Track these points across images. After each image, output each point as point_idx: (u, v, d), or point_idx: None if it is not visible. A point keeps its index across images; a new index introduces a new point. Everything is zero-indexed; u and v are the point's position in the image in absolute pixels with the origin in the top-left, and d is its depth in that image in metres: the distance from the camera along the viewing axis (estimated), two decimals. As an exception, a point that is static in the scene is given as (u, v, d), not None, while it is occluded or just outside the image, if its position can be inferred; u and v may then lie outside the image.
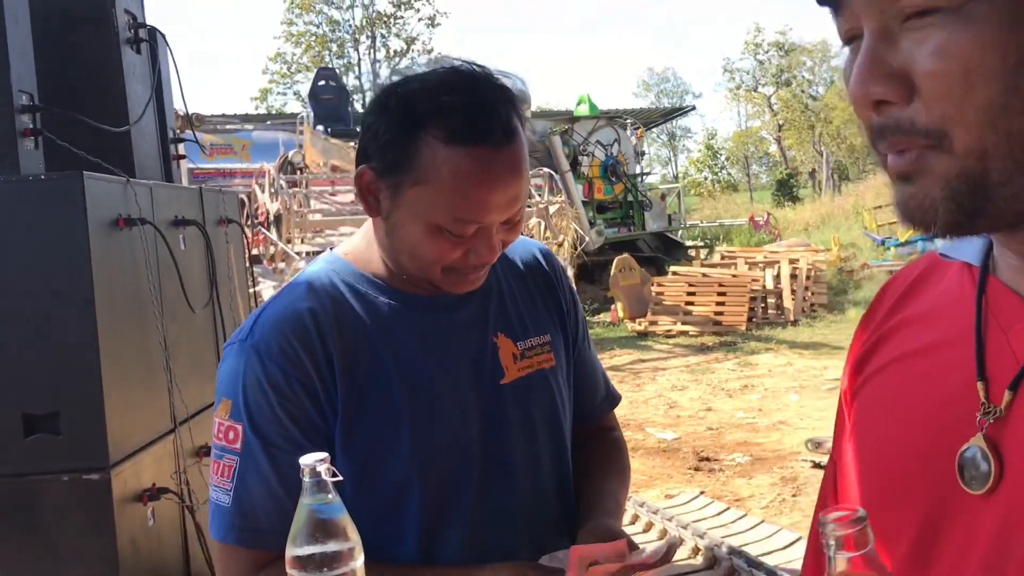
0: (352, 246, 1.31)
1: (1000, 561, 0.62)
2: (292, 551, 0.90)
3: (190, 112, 4.23)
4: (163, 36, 3.75)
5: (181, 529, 3.23)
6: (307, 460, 0.90)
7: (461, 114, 1.13)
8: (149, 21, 3.71)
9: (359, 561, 0.91)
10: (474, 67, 1.18)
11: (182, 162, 4.14)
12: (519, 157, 1.16)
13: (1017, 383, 0.64)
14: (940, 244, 0.75)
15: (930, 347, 0.74)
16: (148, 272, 3.06)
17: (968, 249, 0.72)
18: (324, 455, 0.90)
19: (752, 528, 4.43)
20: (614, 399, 1.51)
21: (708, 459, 5.90)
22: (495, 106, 1.15)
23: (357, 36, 37.49)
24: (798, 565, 3.92)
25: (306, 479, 0.90)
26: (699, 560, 4.08)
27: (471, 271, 1.21)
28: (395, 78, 1.20)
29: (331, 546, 0.89)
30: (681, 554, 4.16)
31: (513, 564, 1.15)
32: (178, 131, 4.32)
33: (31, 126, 2.82)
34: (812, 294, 11.99)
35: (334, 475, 0.89)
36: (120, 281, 2.89)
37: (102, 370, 2.68)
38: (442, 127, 1.13)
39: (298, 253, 8.48)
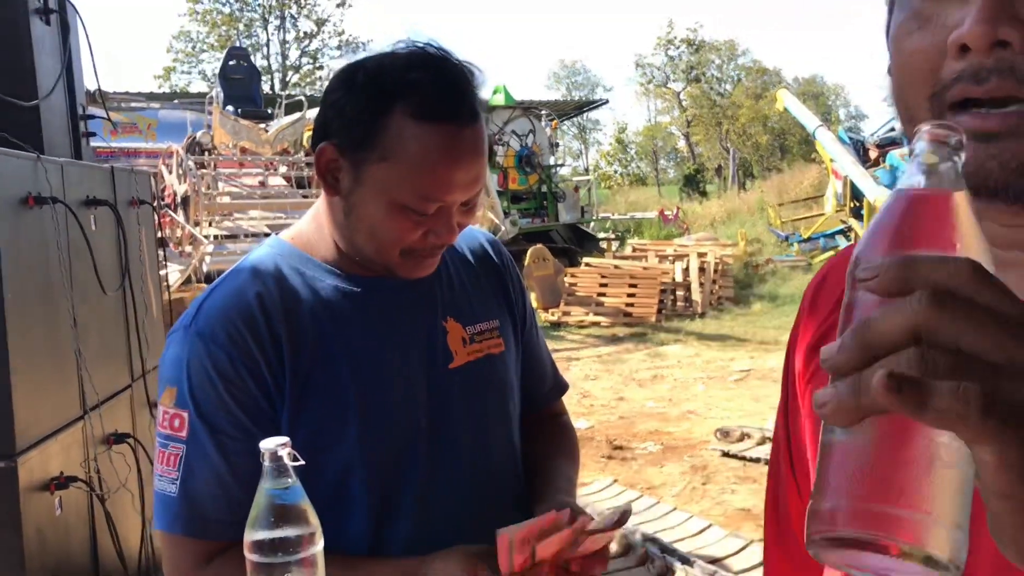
0: (298, 231, 1.29)
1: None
2: (251, 535, 0.88)
3: (93, 89, 4.07)
4: (75, 8, 3.61)
5: (90, 519, 3.12)
6: (268, 444, 0.88)
7: (431, 91, 1.13)
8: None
9: (319, 546, 0.89)
10: (438, 49, 1.18)
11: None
12: (482, 137, 1.17)
13: None
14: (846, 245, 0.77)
15: None
16: (59, 253, 2.94)
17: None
18: (285, 439, 0.88)
19: (664, 515, 4.51)
20: (562, 387, 1.54)
21: (621, 448, 5.99)
22: (462, 85, 1.15)
23: (267, 16, 36.71)
24: (710, 551, 4.02)
25: (266, 463, 0.88)
26: (614, 548, 4.13)
27: (428, 253, 1.20)
28: (346, 58, 1.19)
29: (291, 531, 0.88)
30: (596, 541, 4.21)
31: (462, 551, 1.14)
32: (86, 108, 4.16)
33: (-66, 97, 2.69)
34: (719, 287, 12.25)
35: (295, 459, 0.87)
36: (29, 261, 2.77)
37: (9, 354, 2.57)
38: (411, 103, 1.12)
39: (206, 236, 8.28)
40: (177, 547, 1.16)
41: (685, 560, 3.82)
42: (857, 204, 14.27)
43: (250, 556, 0.88)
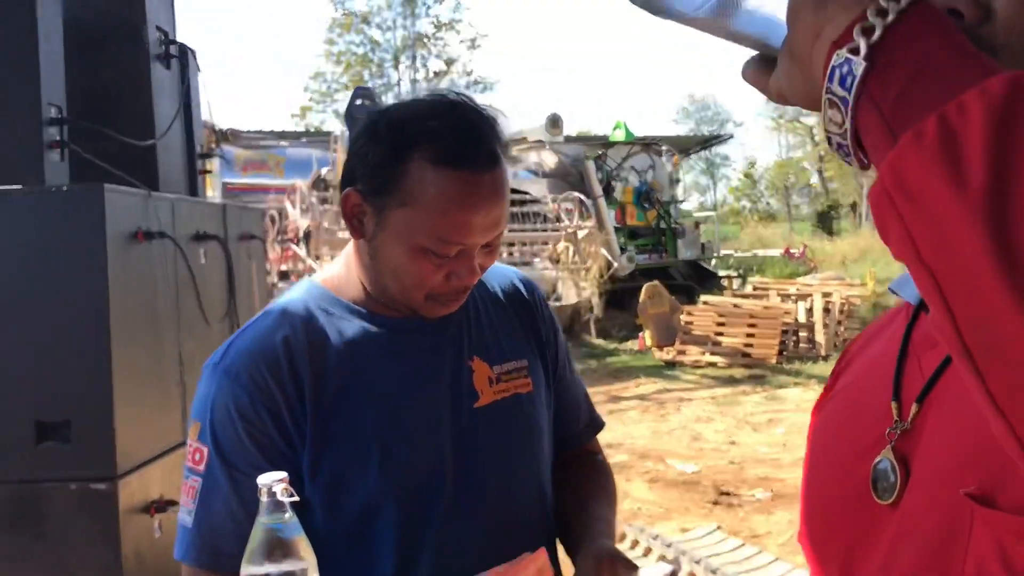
0: (330, 273, 1.33)
1: (887, 567, 0.63)
2: (247, 569, 0.90)
3: (226, 128, 4.28)
4: (193, 53, 3.81)
5: (189, 542, 3.24)
6: (264, 480, 0.90)
7: (448, 138, 1.15)
8: (186, 39, 3.78)
9: (314, 579, 0.90)
10: (461, 96, 1.20)
11: (213, 176, 4.19)
12: (501, 182, 1.18)
13: (923, 396, 0.68)
14: (892, 283, 0.77)
15: (863, 377, 0.78)
16: (165, 286, 3.09)
17: (910, 289, 0.73)
18: (282, 475, 0.90)
19: (766, 566, 4.35)
20: (597, 425, 1.52)
21: (728, 493, 5.83)
22: (480, 131, 1.17)
23: (398, 56, 37.86)
24: (812, 604, 3.85)
25: (263, 499, 0.90)
26: (711, 595, 4.02)
27: (451, 295, 1.21)
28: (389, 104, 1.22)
29: (285, 565, 0.89)
30: (692, 588, 4.10)
31: None
32: (214, 146, 4.37)
33: (57, 138, 2.88)
34: (845, 329, 11.84)
35: (291, 495, 0.89)
36: (137, 294, 2.92)
37: (113, 381, 2.71)
38: (430, 150, 1.15)
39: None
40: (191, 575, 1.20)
41: (783, 612, 3.68)
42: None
43: (247, 591, 0.90)
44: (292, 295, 1.28)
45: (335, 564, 1.14)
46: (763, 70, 0.60)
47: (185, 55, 3.75)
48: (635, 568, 1.20)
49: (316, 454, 1.18)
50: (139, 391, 2.90)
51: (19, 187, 2.71)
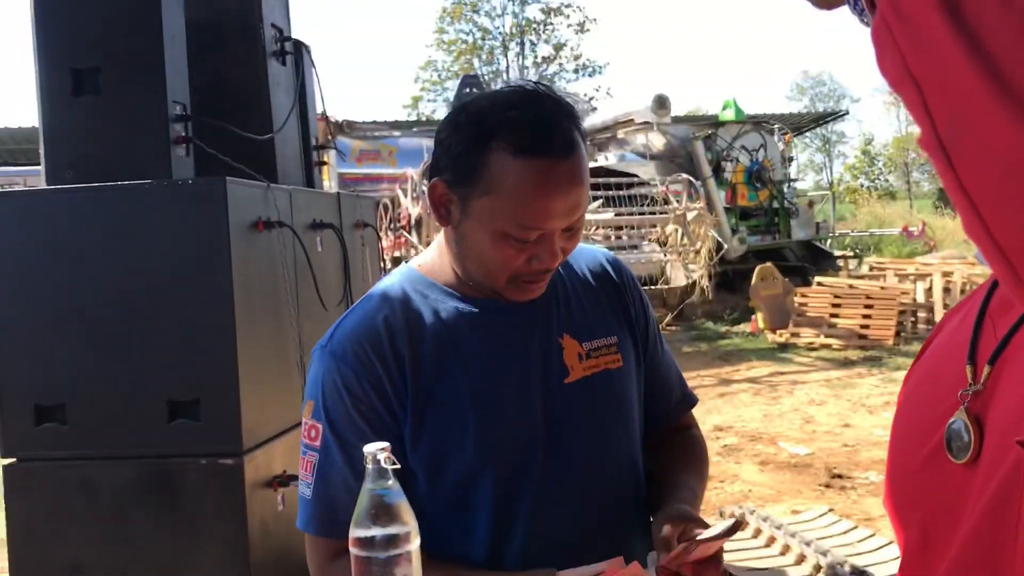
0: (425, 258, 1.41)
1: (987, 526, 0.65)
2: (354, 532, 0.98)
3: (341, 119, 4.43)
4: (307, 48, 3.97)
5: (310, 516, 3.41)
6: (369, 449, 0.98)
7: (526, 128, 1.21)
8: (300, 35, 3.94)
9: (415, 544, 0.98)
10: (539, 86, 1.26)
11: (330, 167, 4.35)
12: (579, 168, 1.23)
13: (995, 358, 0.71)
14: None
15: (945, 345, 0.82)
16: (284, 272, 3.25)
17: None
18: (385, 444, 0.98)
19: (879, 548, 4.29)
20: (690, 401, 1.56)
21: (840, 476, 5.73)
22: (557, 120, 1.23)
23: (507, 43, 38.00)
24: (926, 589, 3.79)
25: (368, 466, 0.98)
26: (821, 578, 3.99)
27: (534, 279, 1.28)
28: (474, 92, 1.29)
29: (389, 529, 0.97)
30: (803, 571, 4.08)
31: (546, 573, 1.20)
32: (330, 137, 4.53)
33: (183, 134, 3.05)
34: (967, 309, 11.42)
35: (393, 463, 0.97)
36: (258, 280, 3.08)
37: (238, 362, 2.87)
38: (509, 140, 1.21)
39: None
40: (313, 544, 1.31)
41: (895, 596, 3.63)
42: None
43: (353, 551, 0.98)
44: (390, 280, 1.37)
45: (436, 529, 1.22)
46: None
47: (299, 51, 3.91)
48: (707, 527, 1.23)
49: (417, 426, 1.26)
50: (262, 372, 3.06)
51: (149, 181, 2.89)
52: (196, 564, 2.91)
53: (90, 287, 2.91)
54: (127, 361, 2.90)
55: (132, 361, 2.90)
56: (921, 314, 11.11)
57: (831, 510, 4.93)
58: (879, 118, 77.37)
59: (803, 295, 11.38)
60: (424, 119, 29.38)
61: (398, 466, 0.98)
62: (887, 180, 49.91)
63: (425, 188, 9.08)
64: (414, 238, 8.46)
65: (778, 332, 11.07)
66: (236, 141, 3.34)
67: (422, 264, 1.40)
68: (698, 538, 1.17)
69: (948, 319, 0.89)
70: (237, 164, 3.22)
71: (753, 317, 11.73)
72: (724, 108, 15.45)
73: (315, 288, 3.45)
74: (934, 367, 0.82)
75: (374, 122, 14.25)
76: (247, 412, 2.91)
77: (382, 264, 4.96)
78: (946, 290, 11.12)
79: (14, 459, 2.97)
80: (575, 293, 1.40)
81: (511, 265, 1.25)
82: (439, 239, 1.38)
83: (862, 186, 46.95)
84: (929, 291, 11.22)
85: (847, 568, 3.93)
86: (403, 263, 1.47)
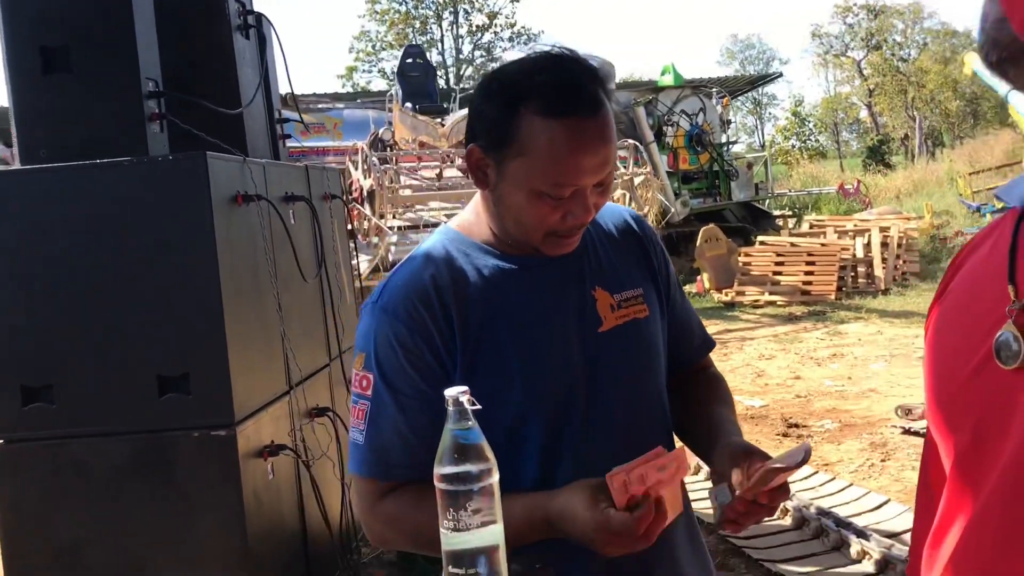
0: (463, 219, 1.49)
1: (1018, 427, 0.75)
2: (439, 470, 1.06)
3: (284, 92, 4.43)
4: (269, 21, 3.96)
5: (296, 484, 3.47)
6: (451, 392, 1.06)
7: (553, 90, 1.29)
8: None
9: (495, 478, 1.07)
10: (563, 50, 1.35)
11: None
12: (606, 125, 1.31)
13: None
14: (998, 190, 0.90)
15: (977, 273, 0.91)
16: (264, 245, 3.28)
17: (1018, 192, 0.86)
18: (465, 388, 1.06)
19: (840, 491, 4.50)
20: (709, 343, 1.66)
21: (796, 425, 5.95)
22: (582, 81, 1.31)
23: (440, 12, 37.69)
24: (887, 527, 3.99)
25: (450, 408, 1.06)
26: (787, 521, 4.17)
27: (568, 233, 1.37)
28: (491, 64, 1.38)
29: (471, 466, 1.05)
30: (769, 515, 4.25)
31: (584, 484, 1.26)
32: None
33: (157, 111, 3.05)
34: (904, 263, 11.80)
35: (473, 404, 1.05)
36: (239, 253, 3.11)
37: (227, 335, 2.91)
38: (537, 103, 1.29)
39: (390, 228, 8.72)
40: (363, 486, 1.39)
41: (861, 534, 3.82)
42: (1057, 170, 13.36)
43: (439, 486, 1.06)
44: (432, 240, 1.46)
45: None
46: None
47: (261, 24, 3.90)
48: (769, 458, 1.31)
49: (466, 377, 1.34)
50: (248, 344, 3.09)
51: (129, 159, 2.89)
52: (194, 536, 2.95)
53: (73, 266, 2.90)
54: (114, 338, 2.91)
55: (119, 338, 2.91)
56: (861, 268, 11.45)
57: (791, 458, 5.13)
58: (808, 79, 78.50)
59: (747, 255, 11.65)
60: (360, 90, 29.06)
61: (479, 407, 1.06)
62: (818, 140, 50.80)
63: (376, 159, 9.04)
64: (367, 210, 8.45)
65: (724, 291, 11.33)
66: (206, 116, 3.34)
67: (460, 224, 1.47)
68: (774, 467, 1.25)
69: (968, 254, 0.99)
70: (211, 139, 3.23)
71: (699, 278, 11.98)
72: (663, 73, 15.61)
73: (295, 259, 3.48)
74: (969, 292, 0.91)
75: (315, 94, 14.10)
76: (237, 384, 2.94)
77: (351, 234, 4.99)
78: (884, 244, 11.47)
79: (1, 441, 2.97)
80: (604, 248, 1.49)
81: (547, 222, 1.33)
82: (475, 200, 1.46)
83: (793, 147, 47.73)
84: (868, 246, 11.56)
85: (812, 510, 4.11)
86: (442, 224, 1.54)
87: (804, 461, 1.24)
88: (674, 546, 1.46)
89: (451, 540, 1.06)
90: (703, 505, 3.48)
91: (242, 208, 3.14)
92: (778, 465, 1.25)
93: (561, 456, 1.38)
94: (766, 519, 4.45)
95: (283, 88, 4.29)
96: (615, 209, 1.57)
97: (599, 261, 1.47)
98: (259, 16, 3.87)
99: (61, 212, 2.90)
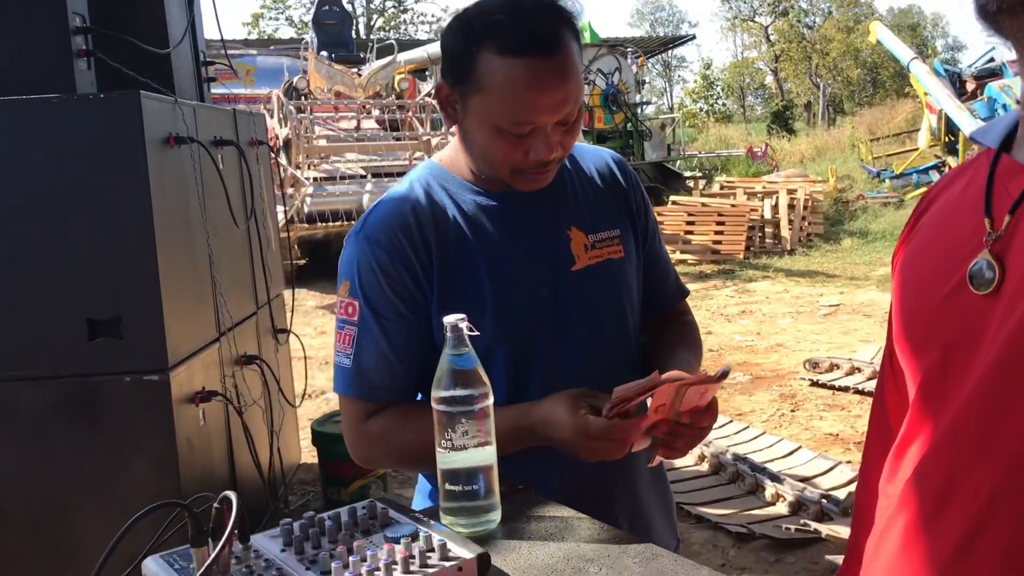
0: (444, 154, 1.52)
1: (1007, 351, 0.82)
2: (436, 392, 1.10)
3: (212, 39, 4.34)
4: (197, -40, 3.85)
5: (227, 431, 3.45)
6: (449, 319, 1.09)
7: (510, 28, 1.32)
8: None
9: (490, 402, 1.11)
10: None
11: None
12: (564, 64, 1.34)
13: (1015, 208, 0.85)
14: (970, 130, 0.96)
15: (951, 209, 0.96)
16: (198, 189, 3.22)
17: (993, 134, 0.92)
18: (463, 316, 1.09)
19: (754, 439, 4.68)
20: (683, 291, 1.71)
21: (710, 378, 6.14)
22: (539, 19, 1.33)
23: (349, -40, 36.84)
24: (799, 472, 4.18)
25: (448, 334, 1.09)
26: (705, 467, 4.33)
27: (534, 170, 1.40)
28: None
29: (467, 390, 1.09)
30: (686, 462, 4.41)
31: (567, 394, 1.32)
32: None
33: (84, 47, 2.95)
34: (809, 224, 12.19)
35: (471, 331, 1.09)
36: (171, 196, 3.05)
37: (160, 279, 2.86)
38: (494, 42, 1.32)
39: (306, 179, 8.60)
40: (349, 406, 1.43)
41: (775, 478, 3.99)
42: (952, 139, 13.92)
43: (436, 407, 1.10)
44: (416, 173, 1.49)
45: None
46: None
47: (189, -37, 3.79)
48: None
49: (442, 304, 1.38)
50: (181, 288, 3.05)
51: (57, 96, 2.80)
52: (125, 483, 2.91)
53: (-2, 205, 2.81)
54: (43, 281, 2.83)
55: (48, 281, 2.83)
56: (768, 229, 11.78)
57: (706, 408, 5.30)
58: (716, 43, 79.68)
59: (659, 214, 11.84)
60: (269, 37, 28.30)
61: (477, 333, 1.10)
62: (724, 104, 51.69)
63: (292, 108, 8.88)
64: (283, 159, 8.31)
65: (637, 249, 11.51)
66: (132, 56, 3.24)
67: (442, 159, 1.51)
68: (689, 380, 1.25)
69: (935, 195, 1.05)
70: (142, 78, 3.14)
71: (612, 236, 12.12)
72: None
73: (227, 205, 3.43)
74: (942, 224, 0.97)
75: (219, 40, 13.67)
76: (170, 329, 2.91)
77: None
78: (791, 206, 11.81)
79: (-79, 384, 2.88)
80: (583, 189, 1.53)
81: (511, 158, 1.37)
82: (457, 136, 1.48)
83: (701, 110, 48.47)
84: (775, 207, 11.88)
85: (729, 456, 4.28)
86: (425, 159, 1.57)
87: (721, 378, 1.26)
88: (636, 479, 1.53)
89: (447, 459, 1.10)
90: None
91: (174, 150, 3.08)
92: (693, 380, 1.25)
93: (528, 388, 1.43)
94: (683, 465, 4.55)
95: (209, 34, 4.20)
96: (598, 152, 1.61)
97: (577, 201, 1.51)
98: (186, -46, 3.76)
99: (-16, 149, 2.80)
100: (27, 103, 2.78)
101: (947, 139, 14.14)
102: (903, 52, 14.34)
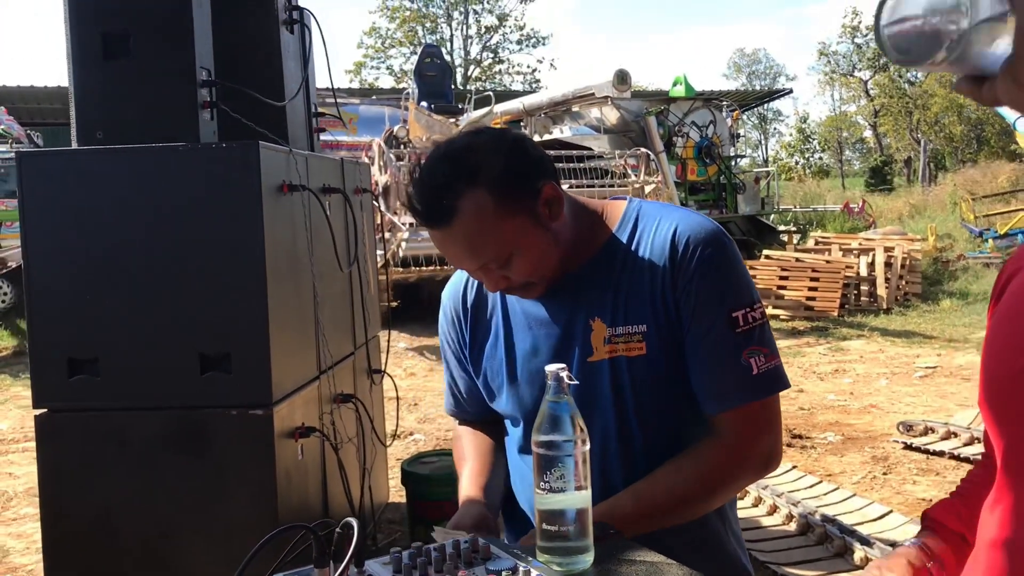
0: None
1: None
2: (536, 437, 1.18)
3: (319, 87, 4.55)
4: (313, 16, 4.08)
5: (322, 466, 3.57)
6: (551, 368, 1.17)
7: (411, 203, 1.49)
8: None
9: (587, 447, 1.18)
10: (440, 147, 1.51)
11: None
12: (458, 233, 1.45)
13: None
14: None
15: None
16: (307, 234, 3.39)
17: None
18: (563, 365, 1.17)
19: (844, 500, 4.60)
20: (725, 400, 1.51)
21: (800, 436, 6.06)
22: (431, 197, 1.45)
23: (450, 11, 37.80)
24: (889, 536, 4.10)
25: (549, 382, 1.17)
26: (792, 527, 4.28)
27: (508, 292, 1.59)
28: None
29: (564, 435, 1.16)
30: (774, 521, 4.37)
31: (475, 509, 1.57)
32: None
33: (209, 99, 3.16)
34: (906, 283, 11.93)
35: (571, 379, 1.17)
36: (282, 240, 3.22)
37: (269, 318, 3.02)
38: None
39: (403, 224, 8.83)
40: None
41: (864, 541, 3.93)
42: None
43: (536, 451, 1.18)
44: None
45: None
46: (975, 85, 0.80)
47: (303, 18, 4.01)
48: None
49: (475, 368, 1.69)
50: (287, 328, 3.20)
51: (183, 144, 3.00)
52: (226, 510, 3.05)
53: (124, 245, 3.01)
54: (160, 316, 3.01)
55: (165, 316, 3.01)
56: (864, 287, 11.57)
57: (795, 467, 5.24)
58: (813, 97, 78.82)
59: (752, 267, 11.75)
60: (367, 86, 29.15)
61: (576, 382, 1.17)
62: (821, 158, 51.02)
63: (392, 156, 9.15)
64: (382, 205, 8.56)
65: (727, 303, 11.41)
66: (249, 106, 3.45)
67: None
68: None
69: (1017, 261, 1.09)
70: (259, 128, 3.34)
71: (703, 288, 12.06)
72: (675, 84, 15.75)
73: (333, 249, 3.59)
74: (1022, 297, 1.02)
75: (327, 89, 14.18)
76: (276, 366, 3.05)
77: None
78: (887, 264, 11.58)
79: (45, 409, 3.08)
80: (621, 278, 1.52)
81: (481, 280, 1.58)
82: None
83: (797, 163, 47.91)
84: (872, 265, 11.67)
85: (818, 517, 4.22)
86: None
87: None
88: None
89: (545, 500, 1.18)
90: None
91: (287, 197, 3.25)
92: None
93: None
94: (770, 524, 4.52)
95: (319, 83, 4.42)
96: (669, 229, 1.52)
97: (609, 291, 1.52)
98: (303, 11, 3.99)
99: (114, 192, 3.01)
100: (157, 151, 2.98)
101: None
102: (1009, 110, 13.96)
